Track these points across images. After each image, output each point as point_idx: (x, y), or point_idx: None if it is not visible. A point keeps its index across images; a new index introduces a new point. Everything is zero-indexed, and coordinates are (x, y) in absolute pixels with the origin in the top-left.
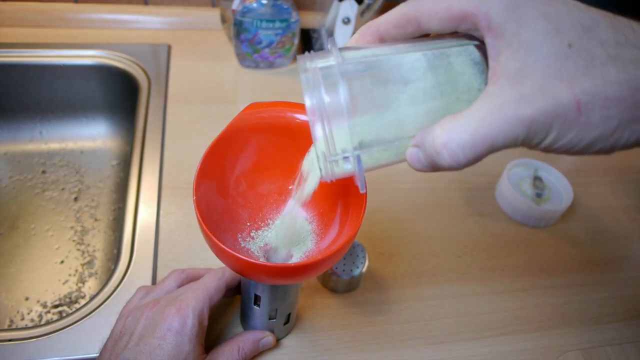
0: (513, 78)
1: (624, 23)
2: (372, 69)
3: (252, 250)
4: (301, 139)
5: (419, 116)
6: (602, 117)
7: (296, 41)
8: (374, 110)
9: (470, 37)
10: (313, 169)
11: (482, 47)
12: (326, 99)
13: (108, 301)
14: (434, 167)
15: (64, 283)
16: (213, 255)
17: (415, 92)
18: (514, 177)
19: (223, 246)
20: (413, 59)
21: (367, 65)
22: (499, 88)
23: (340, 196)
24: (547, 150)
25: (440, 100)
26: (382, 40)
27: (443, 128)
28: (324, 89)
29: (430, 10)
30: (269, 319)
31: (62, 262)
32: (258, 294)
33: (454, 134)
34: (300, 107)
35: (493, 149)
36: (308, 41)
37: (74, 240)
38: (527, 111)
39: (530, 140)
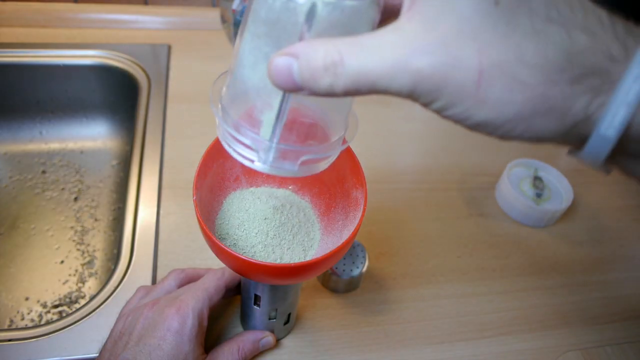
0: (427, 22)
1: None
2: (235, 94)
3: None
4: None
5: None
6: (500, 99)
7: None
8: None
9: None
10: None
11: None
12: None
13: (108, 301)
14: (305, 86)
15: (64, 283)
16: (213, 255)
17: (262, 70)
18: (514, 177)
19: (223, 245)
20: (243, 49)
21: (232, 94)
22: (411, 26)
23: (341, 197)
24: (439, 114)
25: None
26: None
27: (337, 47)
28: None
29: None
30: (269, 319)
31: (62, 262)
32: (258, 294)
33: (348, 57)
34: None
35: (373, 90)
36: None
37: (74, 240)
38: (419, 63)
39: (416, 97)
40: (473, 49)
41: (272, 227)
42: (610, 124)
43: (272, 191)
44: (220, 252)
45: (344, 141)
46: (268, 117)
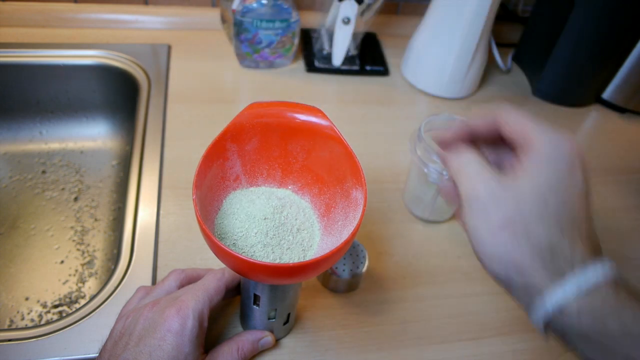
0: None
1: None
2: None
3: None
4: (300, 138)
5: None
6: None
7: (296, 41)
8: None
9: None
10: None
11: None
12: None
13: (108, 301)
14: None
15: (64, 283)
16: (213, 255)
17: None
18: None
19: (221, 244)
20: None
21: None
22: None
23: (341, 198)
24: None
25: None
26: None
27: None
28: None
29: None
30: (269, 318)
31: (62, 262)
32: (258, 293)
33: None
34: (300, 107)
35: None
36: (308, 41)
37: (74, 240)
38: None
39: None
40: (517, 213)
41: (272, 227)
42: (549, 304)
43: (272, 191)
44: (219, 252)
45: None
46: None
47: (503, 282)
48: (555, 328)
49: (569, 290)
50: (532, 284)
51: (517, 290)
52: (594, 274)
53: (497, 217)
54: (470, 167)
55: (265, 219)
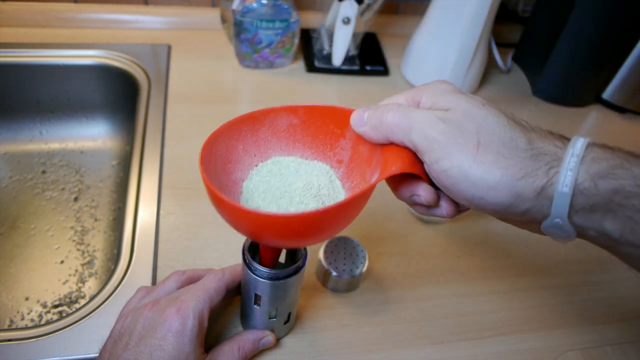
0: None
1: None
2: None
3: None
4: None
5: None
6: (492, 164)
7: (296, 41)
8: None
9: None
10: None
11: None
12: None
13: (108, 301)
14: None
15: (64, 283)
16: (213, 255)
17: None
18: None
19: (223, 196)
20: None
21: None
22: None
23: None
24: (443, 172)
25: None
26: None
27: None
28: None
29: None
30: (269, 318)
31: (62, 262)
32: (258, 293)
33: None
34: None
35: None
36: (308, 41)
37: (74, 240)
38: (435, 130)
39: (423, 152)
40: (473, 128)
41: (297, 194)
42: (563, 184)
43: (311, 165)
44: (220, 205)
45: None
46: None
47: (509, 207)
48: (578, 212)
49: (572, 163)
50: (539, 184)
51: (526, 201)
52: (581, 142)
53: (469, 146)
54: (413, 114)
55: (293, 187)
